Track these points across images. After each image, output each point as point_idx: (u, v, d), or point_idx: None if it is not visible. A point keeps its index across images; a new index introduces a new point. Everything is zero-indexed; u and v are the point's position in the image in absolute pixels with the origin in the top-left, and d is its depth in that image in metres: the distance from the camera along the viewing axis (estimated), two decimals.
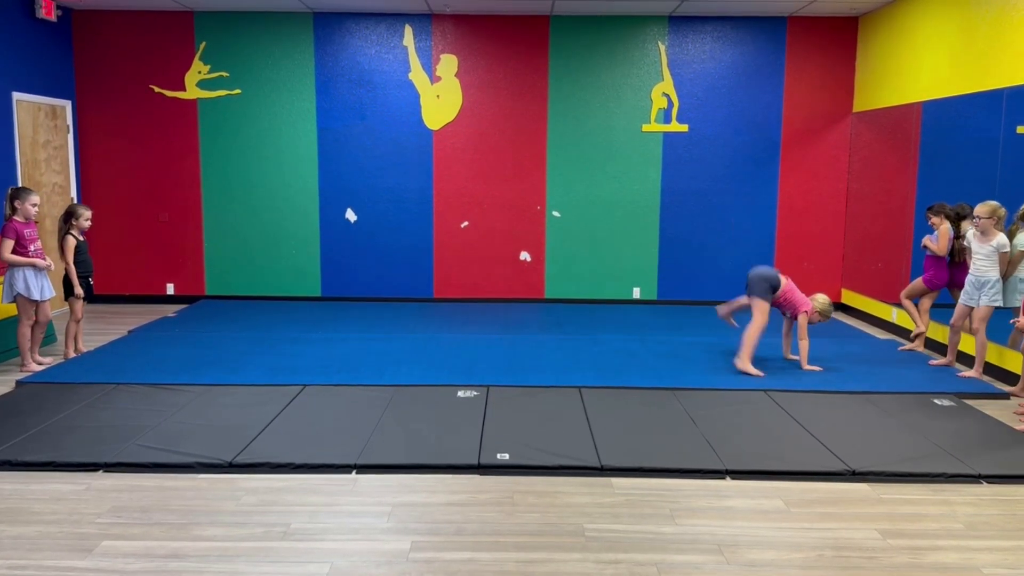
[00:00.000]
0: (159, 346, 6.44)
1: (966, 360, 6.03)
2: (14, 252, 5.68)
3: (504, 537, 3.35)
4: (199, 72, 8.31)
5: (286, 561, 3.13)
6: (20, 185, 5.77)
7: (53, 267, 5.93)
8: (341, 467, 4.02)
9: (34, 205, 5.81)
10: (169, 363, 5.92)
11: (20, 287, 5.71)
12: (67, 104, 8.18)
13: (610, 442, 4.34)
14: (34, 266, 5.75)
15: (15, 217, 5.74)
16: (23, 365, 5.82)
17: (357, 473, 3.99)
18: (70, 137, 8.23)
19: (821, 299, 5.85)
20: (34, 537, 3.30)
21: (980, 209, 5.52)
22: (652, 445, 4.31)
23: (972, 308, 5.70)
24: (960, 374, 5.79)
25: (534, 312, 8.13)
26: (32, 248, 5.77)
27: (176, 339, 6.71)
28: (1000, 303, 5.54)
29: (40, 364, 5.87)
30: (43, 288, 5.82)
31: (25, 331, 5.81)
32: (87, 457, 4.06)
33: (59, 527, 3.39)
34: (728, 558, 3.18)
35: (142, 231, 8.49)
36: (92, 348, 6.31)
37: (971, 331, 5.75)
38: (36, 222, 5.94)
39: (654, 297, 8.59)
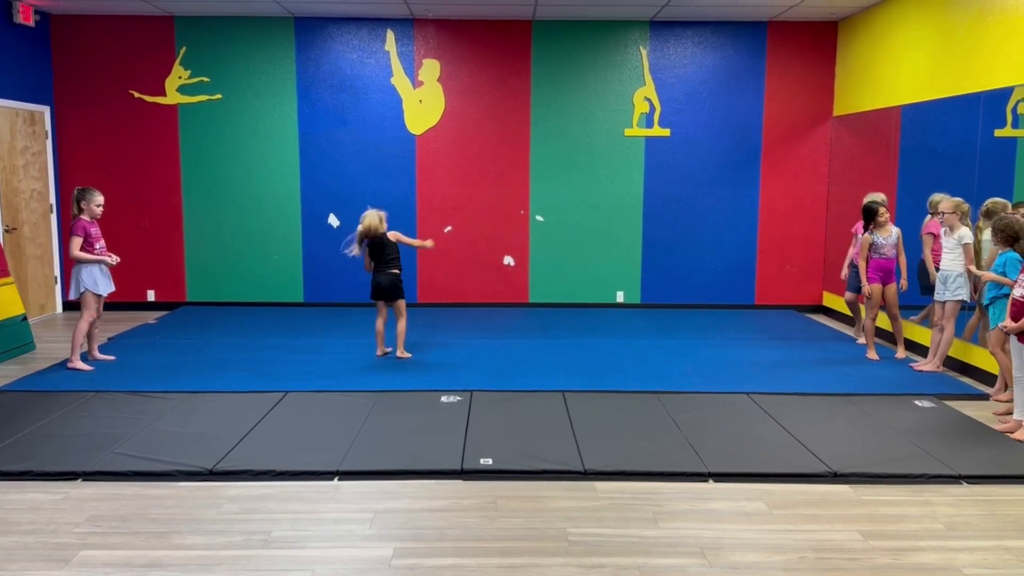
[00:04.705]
0: (139, 353, 6.38)
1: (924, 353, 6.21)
2: (82, 250, 5.78)
3: (487, 542, 3.34)
4: (179, 77, 8.25)
5: (268, 569, 3.10)
6: (85, 187, 5.93)
7: (120, 261, 6.05)
8: (323, 474, 4.00)
9: (99, 205, 5.93)
10: (149, 370, 5.88)
11: (88, 283, 5.81)
12: (45, 110, 8.11)
13: (593, 446, 4.34)
14: (102, 263, 5.88)
15: (82, 216, 5.84)
16: (70, 361, 5.87)
17: (339, 480, 3.97)
18: (48, 143, 8.15)
19: None
20: (10, 547, 3.26)
21: (944, 204, 5.68)
22: (635, 448, 4.32)
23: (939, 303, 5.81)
24: (914, 365, 5.95)
25: (518, 316, 8.12)
26: (98, 246, 5.90)
27: (156, 346, 6.66)
28: (964, 297, 5.63)
29: (87, 366, 5.89)
30: (107, 284, 5.96)
31: (84, 326, 5.87)
32: (65, 466, 4.01)
33: (36, 537, 3.34)
34: (711, 561, 3.18)
35: (122, 237, 8.40)
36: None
37: (939, 327, 5.85)
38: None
39: (637, 301, 8.60)
